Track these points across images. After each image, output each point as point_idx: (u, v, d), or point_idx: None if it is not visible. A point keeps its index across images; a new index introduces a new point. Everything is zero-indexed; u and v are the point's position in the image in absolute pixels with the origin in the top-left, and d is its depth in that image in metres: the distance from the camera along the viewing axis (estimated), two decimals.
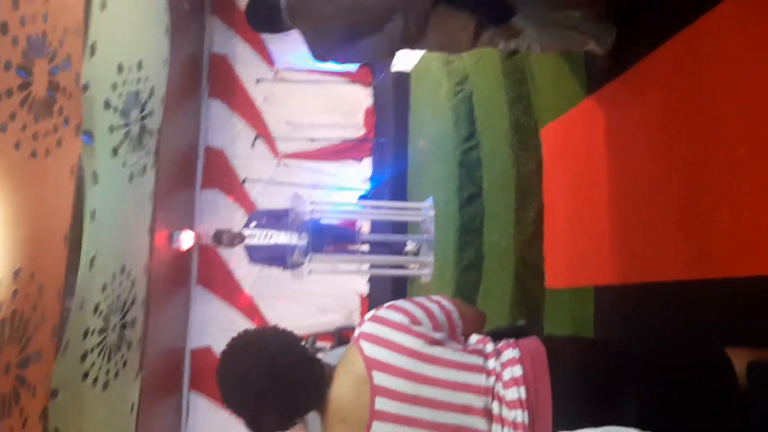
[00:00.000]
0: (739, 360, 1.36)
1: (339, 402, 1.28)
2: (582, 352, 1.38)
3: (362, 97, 6.54)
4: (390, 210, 5.35)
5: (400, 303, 1.35)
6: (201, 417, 5.78)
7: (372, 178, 6.40)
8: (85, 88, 2.89)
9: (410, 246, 5.33)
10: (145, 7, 3.77)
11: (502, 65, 3.61)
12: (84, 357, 3.03)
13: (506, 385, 1.26)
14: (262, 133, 6.32)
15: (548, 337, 1.41)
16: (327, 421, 1.29)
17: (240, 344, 1.30)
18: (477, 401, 1.25)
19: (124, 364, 3.59)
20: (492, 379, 1.27)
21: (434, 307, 1.35)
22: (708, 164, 1.96)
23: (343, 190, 6.35)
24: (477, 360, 1.30)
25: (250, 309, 5.99)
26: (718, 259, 1.91)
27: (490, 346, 1.35)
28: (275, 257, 4.73)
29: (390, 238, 5.52)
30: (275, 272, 5.40)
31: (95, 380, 3.18)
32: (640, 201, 2.35)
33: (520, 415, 1.23)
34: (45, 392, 2.61)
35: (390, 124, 6.14)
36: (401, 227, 5.64)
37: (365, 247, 5.48)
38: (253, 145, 6.25)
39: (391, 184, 5.99)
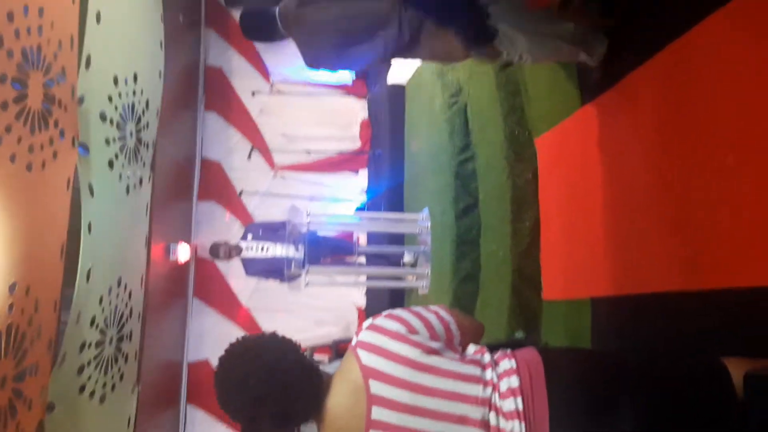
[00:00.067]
0: (736, 370, 1.36)
1: (335, 410, 1.27)
2: (578, 363, 1.38)
3: (358, 109, 6.57)
4: (387, 221, 5.36)
5: (398, 312, 1.36)
6: (198, 430, 5.74)
7: (368, 190, 6.41)
8: (81, 100, 2.89)
9: (407, 257, 5.33)
10: (140, 20, 3.79)
11: (496, 77, 3.64)
12: (81, 370, 3.01)
13: (503, 396, 1.26)
14: (259, 145, 6.33)
15: (545, 347, 1.42)
16: (323, 430, 1.29)
17: (239, 350, 1.30)
18: (474, 412, 1.25)
19: (121, 377, 3.57)
20: (489, 389, 1.27)
21: (432, 317, 1.35)
22: (700, 174, 1.97)
23: (339, 201, 6.36)
24: (474, 370, 1.29)
25: (247, 322, 5.97)
26: (713, 269, 1.92)
27: (487, 357, 1.35)
28: (272, 270, 4.73)
29: (387, 249, 5.53)
30: (272, 285, 5.39)
31: (92, 393, 3.15)
32: (635, 211, 2.36)
33: (517, 426, 1.23)
34: (41, 406, 2.58)
35: (386, 136, 6.16)
36: (398, 239, 5.65)
37: (362, 259, 5.48)
38: (249, 157, 6.26)
39: (388, 195, 6.01)
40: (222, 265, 5.90)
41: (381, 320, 1.34)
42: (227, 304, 6.02)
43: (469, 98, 4.22)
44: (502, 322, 3.40)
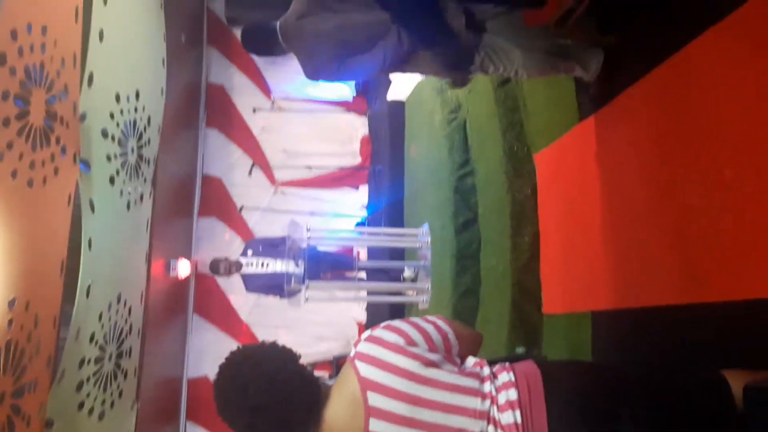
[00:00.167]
0: (736, 382, 1.36)
1: (333, 422, 1.27)
2: (578, 376, 1.38)
3: (358, 125, 6.61)
4: (387, 236, 5.36)
5: (396, 323, 1.36)
6: None
7: (369, 205, 6.42)
8: (83, 117, 2.92)
9: (407, 272, 5.33)
10: (143, 39, 3.83)
11: (495, 93, 3.67)
12: (80, 387, 3.00)
13: (501, 409, 1.26)
14: (260, 161, 6.36)
15: (544, 360, 1.41)
16: None
17: (239, 358, 1.30)
18: (472, 425, 1.24)
19: (120, 394, 3.55)
20: (487, 402, 1.27)
21: (430, 328, 1.35)
22: (697, 188, 1.98)
23: (340, 217, 6.37)
24: (473, 383, 1.29)
25: (247, 338, 5.94)
26: (712, 282, 1.92)
27: (486, 370, 1.34)
28: (272, 286, 4.72)
29: (387, 264, 5.52)
30: (272, 301, 5.38)
31: (91, 410, 3.14)
32: (634, 225, 2.36)
33: None
34: (40, 422, 2.57)
35: (386, 152, 6.19)
36: (398, 254, 5.65)
37: (362, 274, 5.47)
38: (250, 173, 6.29)
39: (388, 210, 6.02)
40: (222, 281, 5.89)
41: (379, 332, 1.34)
42: (227, 320, 6.01)
43: (468, 114, 4.25)
44: (502, 337, 3.39)
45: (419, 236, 4.95)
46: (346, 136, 6.62)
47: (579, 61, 2.45)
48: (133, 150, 3.63)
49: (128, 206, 3.59)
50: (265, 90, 6.48)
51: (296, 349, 1.36)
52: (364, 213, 6.40)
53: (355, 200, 6.51)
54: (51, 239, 2.62)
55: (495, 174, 3.68)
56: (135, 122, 3.64)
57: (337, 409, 1.27)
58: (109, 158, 3.28)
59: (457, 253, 4.21)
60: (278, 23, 2.35)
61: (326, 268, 5.03)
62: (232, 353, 1.32)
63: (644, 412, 1.30)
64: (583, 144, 2.75)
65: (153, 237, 4.14)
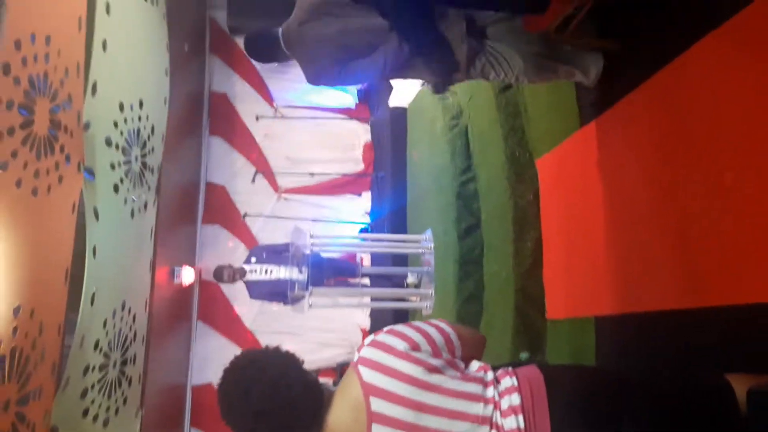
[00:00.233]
0: (740, 386, 1.36)
1: (336, 427, 1.27)
2: (580, 380, 1.38)
3: (360, 132, 6.63)
4: (390, 243, 5.36)
5: (399, 328, 1.36)
6: None
7: (371, 212, 6.43)
8: (87, 126, 2.94)
9: (411, 278, 5.32)
10: (146, 48, 3.86)
11: (496, 99, 3.68)
12: (84, 394, 3.00)
13: (504, 414, 1.26)
14: (263, 168, 6.38)
15: (546, 365, 1.41)
16: None
17: (242, 363, 1.31)
18: (475, 430, 1.24)
19: (125, 401, 3.55)
20: (490, 407, 1.27)
21: (433, 331, 1.35)
22: (698, 192, 1.99)
23: (343, 223, 6.37)
24: (476, 388, 1.29)
25: (251, 345, 5.95)
26: (714, 286, 1.92)
27: (490, 374, 1.34)
28: (275, 293, 4.72)
29: (390, 270, 5.52)
30: (276, 307, 5.38)
31: (95, 417, 3.14)
32: (636, 229, 2.37)
33: None
34: (45, 430, 2.58)
35: (388, 158, 6.21)
36: (401, 260, 5.64)
37: (366, 281, 5.47)
38: (253, 180, 6.31)
39: (391, 217, 6.02)
40: (226, 288, 5.90)
41: (383, 336, 1.34)
42: (231, 327, 6.01)
43: (470, 120, 4.26)
44: (506, 343, 3.39)
45: (422, 242, 4.95)
46: (348, 143, 6.64)
47: (579, 66, 2.46)
48: (136, 158, 3.65)
49: (132, 214, 3.61)
50: (268, 98, 6.51)
51: (300, 355, 1.36)
52: (367, 219, 6.40)
53: (358, 207, 6.52)
54: (55, 247, 2.64)
55: (497, 179, 3.69)
56: (139, 131, 3.66)
57: (339, 415, 1.28)
58: (113, 166, 3.30)
59: (460, 259, 4.21)
60: (280, 29, 2.38)
61: (329, 274, 5.03)
62: (236, 358, 1.33)
63: (647, 416, 1.30)
64: (584, 149, 2.75)
65: (157, 244, 4.16)
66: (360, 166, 6.55)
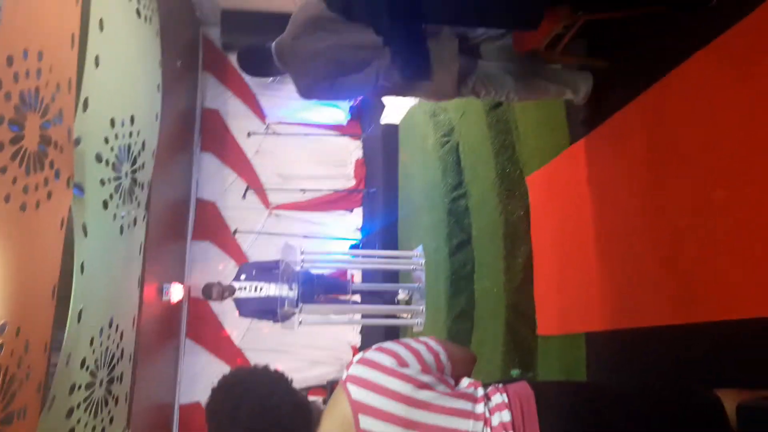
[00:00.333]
0: (729, 401, 1.36)
1: None
2: (570, 396, 1.37)
3: (352, 148, 6.66)
4: (381, 259, 5.35)
5: (388, 345, 1.35)
6: None
7: (363, 228, 6.43)
8: (77, 141, 2.93)
9: (402, 295, 5.31)
10: (138, 65, 3.87)
11: (487, 117, 3.71)
12: (70, 413, 2.96)
13: (495, 431, 1.25)
14: (254, 185, 6.38)
15: (537, 381, 1.41)
16: None
17: (231, 381, 1.30)
18: None
19: (111, 420, 3.50)
20: (480, 424, 1.26)
21: (422, 349, 1.35)
22: (689, 208, 2.00)
23: (334, 239, 6.37)
24: (466, 405, 1.28)
25: (240, 363, 5.89)
26: (704, 302, 1.93)
27: (480, 391, 1.34)
28: (265, 310, 4.69)
29: (381, 287, 5.51)
30: (266, 325, 5.34)
31: None
32: (626, 245, 2.38)
33: None
34: None
35: (379, 174, 6.23)
36: (392, 276, 5.64)
37: (356, 297, 5.45)
38: (244, 196, 6.30)
39: (382, 233, 6.02)
40: (215, 305, 5.86)
41: (371, 353, 1.33)
42: (220, 344, 5.96)
43: (461, 137, 4.29)
44: (497, 360, 3.38)
45: (413, 258, 4.95)
46: (340, 159, 6.66)
47: (569, 84, 2.49)
48: (127, 174, 3.64)
49: (121, 230, 3.59)
50: (260, 114, 6.53)
51: (290, 373, 1.35)
52: (358, 235, 6.40)
53: (350, 223, 6.52)
54: (43, 264, 2.61)
55: (488, 196, 3.71)
56: (129, 147, 3.65)
57: None
58: (102, 182, 3.29)
59: (451, 275, 4.21)
60: (273, 43, 2.39)
61: (320, 291, 5.01)
62: (224, 377, 1.31)
63: (638, 431, 1.30)
64: (574, 166, 2.77)
65: (146, 261, 4.13)
66: (351, 182, 6.56)
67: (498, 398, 1.30)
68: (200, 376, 5.79)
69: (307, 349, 5.91)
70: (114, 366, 3.52)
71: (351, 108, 6.64)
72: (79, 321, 2.97)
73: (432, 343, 1.38)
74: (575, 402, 1.33)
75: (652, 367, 2.19)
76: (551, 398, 1.32)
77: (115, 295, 3.57)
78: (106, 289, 3.38)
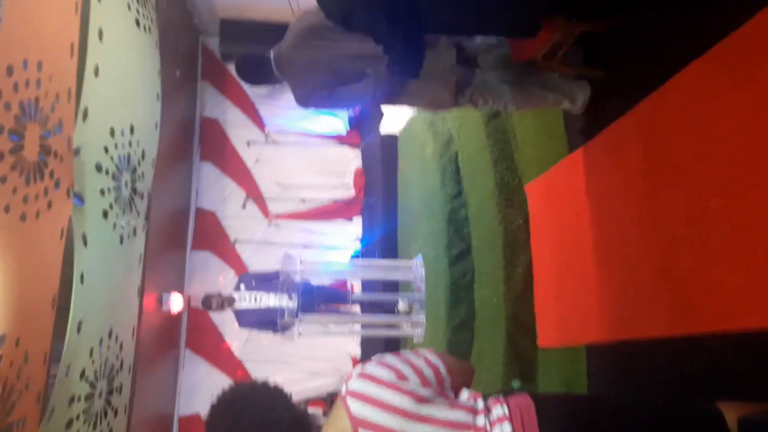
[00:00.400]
0: (731, 414, 1.35)
1: None
2: (571, 409, 1.37)
3: (351, 158, 6.66)
4: (381, 269, 5.34)
5: (387, 359, 1.34)
6: None
7: (362, 237, 6.42)
8: (77, 151, 2.93)
9: (402, 305, 5.30)
10: (138, 74, 3.88)
11: (485, 126, 3.72)
12: (69, 425, 2.94)
13: None
14: (253, 194, 6.38)
15: (538, 393, 1.40)
16: None
17: (231, 396, 1.30)
18: None
19: (110, 431, 3.48)
20: None
21: (421, 362, 1.34)
22: (685, 218, 2.00)
23: (334, 249, 6.36)
24: (466, 417, 1.28)
25: (239, 374, 5.86)
26: (703, 313, 1.92)
27: (480, 403, 1.33)
28: (265, 321, 4.67)
29: (381, 297, 5.49)
30: (265, 335, 5.32)
31: None
32: (625, 255, 2.38)
33: None
34: None
35: (379, 183, 6.23)
36: (392, 286, 5.62)
37: (356, 308, 5.44)
38: (243, 206, 6.30)
39: (382, 242, 6.02)
40: (215, 315, 5.84)
41: (370, 367, 1.32)
42: (220, 355, 5.93)
43: (460, 146, 4.29)
44: (498, 371, 3.36)
45: (413, 268, 4.94)
46: (339, 169, 6.66)
47: (567, 94, 2.50)
48: (126, 184, 3.64)
49: (121, 240, 3.59)
50: (260, 123, 6.54)
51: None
52: (357, 245, 6.40)
53: (349, 232, 6.51)
54: (43, 274, 2.61)
55: (487, 205, 3.71)
56: (129, 156, 3.66)
57: None
58: (102, 192, 3.29)
59: (451, 285, 4.20)
60: (272, 52, 2.40)
61: (320, 301, 5.00)
62: (223, 392, 1.31)
63: None
64: (572, 175, 2.78)
65: (146, 271, 4.12)
66: (351, 192, 6.56)
67: (499, 410, 1.30)
68: (200, 387, 5.77)
69: (307, 360, 5.89)
70: (113, 377, 3.50)
71: (350, 117, 6.66)
72: (78, 332, 2.96)
73: (430, 356, 1.37)
74: (576, 414, 1.33)
75: (653, 380, 2.19)
76: (552, 410, 1.31)
77: (115, 305, 3.56)
78: (105, 300, 3.37)
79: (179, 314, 5.65)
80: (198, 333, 5.93)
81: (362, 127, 6.67)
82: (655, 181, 2.17)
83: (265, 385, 1.34)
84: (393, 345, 5.43)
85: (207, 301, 4.80)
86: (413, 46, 2.04)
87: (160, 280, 4.99)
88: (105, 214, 3.32)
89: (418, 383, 1.30)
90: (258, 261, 6.10)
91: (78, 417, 3.04)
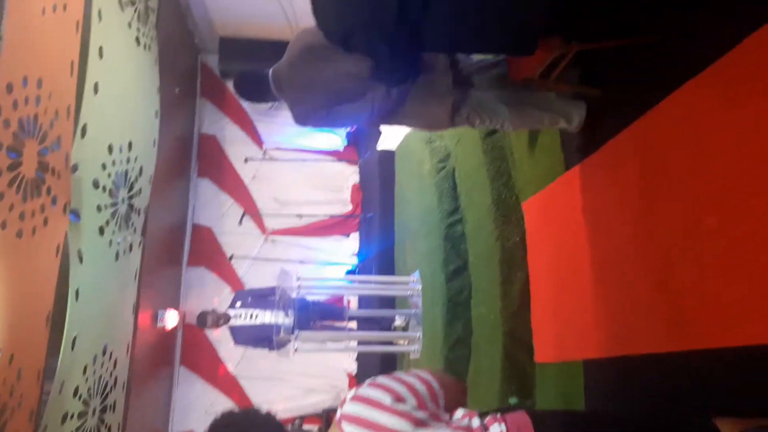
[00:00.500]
0: (728, 429, 1.35)
1: None
2: (569, 426, 1.36)
3: (348, 174, 6.68)
4: (377, 284, 5.34)
5: (381, 380, 1.33)
6: None
7: (359, 253, 6.42)
8: (75, 168, 2.94)
9: (398, 321, 5.28)
10: (137, 91, 3.90)
11: (482, 143, 3.74)
12: None
13: None
14: (251, 210, 6.38)
15: (535, 410, 1.40)
16: None
17: (223, 423, 1.28)
18: None
19: None
20: None
21: (414, 380, 1.33)
22: (681, 235, 2.01)
23: (330, 265, 6.35)
24: None
25: (234, 391, 5.82)
26: (699, 329, 1.92)
27: (476, 421, 1.32)
28: (260, 338, 4.64)
29: (378, 313, 5.48)
30: (261, 352, 5.29)
31: None
32: (621, 272, 2.38)
33: None
34: None
35: (376, 199, 6.24)
36: (389, 302, 5.61)
37: (353, 324, 5.42)
38: (240, 222, 6.30)
39: (379, 258, 6.01)
40: (210, 332, 5.81)
41: (365, 390, 1.31)
42: (214, 372, 5.89)
43: (457, 163, 4.31)
44: (495, 388, 3.35)
45: (410, 284, 4.93)
46: (336, 185, 6.68)
47: (562, 114, 2.51)
48: (123, 200, 3.64)
49: (117, 256, 3.58)
50: (257, 140, 6.57)
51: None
52: (354, 260, 6.39)
53: (346, 248, 6.51)
54: (38, 291, 2.60)
55: (484, 221, 3.72)
56: (127, 173, 3.66)
57: None
58: (99, 208, 3.29)
59: (448, 302, 4.19)
60: (270, 70, 2.41)
61: (316, 317, 4.98)
62: (216, 420, 1.30)
63: None
64: (569, 192, 2.79)
65: (141, 287, 4.11)
66: (348, 207, 6.58)
67: (496, 428, 1.29)
68: (194, 404, 5.72)
69: (303, 377, 5.85)
70: (107, 394, 3.47)
71: (348, 134, 6.69)
72: (72, 348, 2.94)
73: (423, 374, 1.37)
74: (573, 430, 1.32)
75: (650, 395, 2.18)
76: (549, 426, 1.31)
77: (110, 322, 3.54)
78: (100, 316, 3.35)
79: (174, 331, 5.61)
80: (193, 350, 5.90)
81: (360, 144, 6.70)
82: (651, 197, 2.19)
83: (257, 412, 1.34)
84: (389, 361, 5.40)
85: (202, 319, 4.76)
86: (410, 67, 2.06)
87: (155, 296, 4.97)
88: (101, 231, 3.31)
89: (414, 405, 1.28)
90: (254, 277, 6.08)
91: None
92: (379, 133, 5.89)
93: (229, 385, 5.85)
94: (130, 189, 3.75)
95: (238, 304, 4.81)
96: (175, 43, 5.34)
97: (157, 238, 4.88)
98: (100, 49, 3.19)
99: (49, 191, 2.63)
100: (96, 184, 3.22)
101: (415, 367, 4.68)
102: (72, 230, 2.92)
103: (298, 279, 4.85)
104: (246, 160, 6.49)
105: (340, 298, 5.97)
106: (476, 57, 2.52)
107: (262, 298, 4.74)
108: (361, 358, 5.88)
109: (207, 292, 6.06)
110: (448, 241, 4.30)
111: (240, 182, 6.48)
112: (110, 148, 3.40)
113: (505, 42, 1.98)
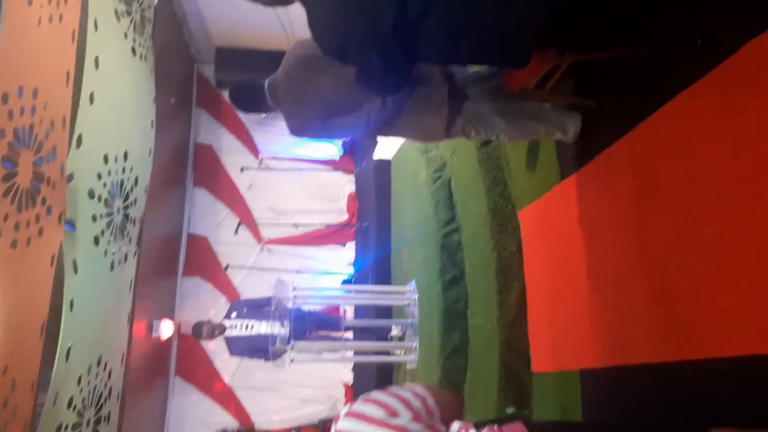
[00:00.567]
0: None
1: None
2: None
3: (344, 183, 6.69)
4: (374, 294, 5.33)
5: (375, 395, 1.32)
6: None
7: (355, 262, 6.41)
8: (70, 178, 2.93)
9: (395, 331, 5.27)
10: (133, 102, 3.91)
11: (478, 153, 3.75)
12: None
13: None
14: (246, 219, 6.38)
15: (532, 421, 1.39)
16: None
17: None
18: None
19: None
20: None
21: (408, 395, 1.33)
22: (677, 245, 2.02)
23: (326, 274, 6.34)
24: None
25: (230, 402, 5.79)
26: (696, 339, 1.93)
27: None
28: (256, 349, 4.61)
29: (374, 323, 5.46)
30: (257, 363, 5.27)
31: None
32: (617, 281, 2.38)
33: None
34: None
35: (372, 208, 6.25)
36: (385, 311, 5.60)
37: (349, 334, 5.40)
38: (236, 231, 6.29)
39: (375, 267, 6.01)
40: (206, 342, 5.78)
41: (359, 405, 1.30)
42: (209, 382, 5.86)
43: (453, 172, 4.32)
44: (492, 398, 3.34)
45: (407, 293, 4.92)
46: (332, 194, 6.69)
47: (558, 125, 2.53)
48: (119, 210, 3.63)
49: (112, 266, 3.57)
50: (253, 150, 6.58)
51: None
52: (350, 270, 6.38)
53: (342, 257, 6.50)
54: (32, 301, 2.59)
55: (480, 231, 3.72)
56: (122, 183, 3.66)
57: None
58: (94, 218, 3.28)
59: (445, 311, 4.18)
60: (266, 81, 2.41)
61: (312, 327, 4.96)
62: None
63: None
64: (565, 202, 2.80)
65: (136, 297, 4.09)
66: (344, 217, 6.58)
67: None
68: (189, 415, 5.68)
69: (299, 387, 5.82)
70: (101, 405, 3.45)
71: (344, 143, 6.71)
72: (67, 359, 2.92)
73: (418, 388, 1.36)
74: None
75: (646, 405, 2.18)
76: None
77: (105, 332, 3.52)
78: (95, 327, 3.34)
79: (169, 341, 5.59)
80: (188, 360, 5.86)
81: (356, 153, 6.72)
82: (646, 206, 2.19)
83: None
84: (386, 371, 5.38)
85: (197, 330, 4.73)
86: (403, 77, 2.06)
87: (150, 306, 4.95)
88: (96, 241, 3.30)
89: (410, 419, 1.27)
90: (250, 286, 6.07)
91: None
92: (376, 142, 5.90)
93: (224, 396, 5.82)
94: (126, 199, 3.74)
95: (234, 314, 4.78)
96: (171, 53, 5.36)
97: (153, 247, 4.87)
98: (96, 59, 3.19)
99: (44, 201, 2.62)
100: (91, 194, 3.22)
101: (411, 376, 4.66)
102: (67, 240, 2.91)
103: (294, 289, 4.84)
104: (242, 170, 6.49)
105: (337, 308, 5.96)
106: (471, 69, 2.53)
107: (258, 308, 4.72)
108: (358, 368, 5.86)
109: (202, 302, 6.03)
110: (444, 251, 4.30)
111: (236, 192, 6.49)
112: (106, 158, 3.40)
113: (499, 54, 1.99)
